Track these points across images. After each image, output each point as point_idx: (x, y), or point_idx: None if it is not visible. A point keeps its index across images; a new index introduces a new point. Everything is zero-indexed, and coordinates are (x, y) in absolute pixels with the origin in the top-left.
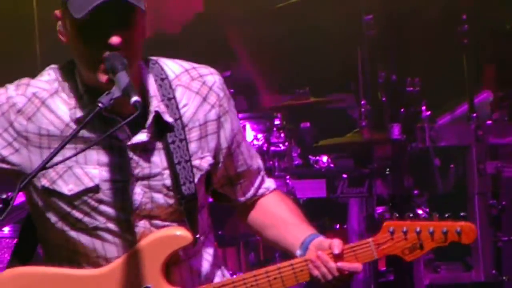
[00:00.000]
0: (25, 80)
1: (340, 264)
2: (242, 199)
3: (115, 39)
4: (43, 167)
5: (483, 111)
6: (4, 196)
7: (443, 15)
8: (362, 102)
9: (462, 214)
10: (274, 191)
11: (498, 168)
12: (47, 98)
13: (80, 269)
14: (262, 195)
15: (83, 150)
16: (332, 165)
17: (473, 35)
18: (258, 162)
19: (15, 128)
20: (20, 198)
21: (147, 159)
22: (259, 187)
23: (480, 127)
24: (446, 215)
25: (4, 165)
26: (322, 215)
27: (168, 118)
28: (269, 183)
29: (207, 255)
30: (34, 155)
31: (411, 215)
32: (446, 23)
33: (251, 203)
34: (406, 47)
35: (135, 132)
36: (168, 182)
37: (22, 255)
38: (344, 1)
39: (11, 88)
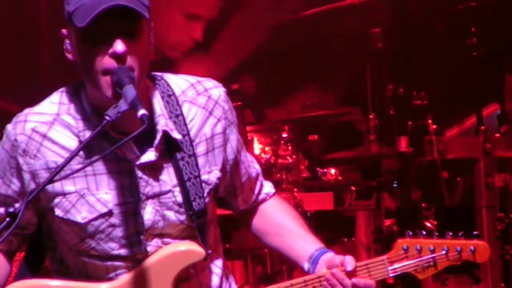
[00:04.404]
0: (22, 116)
1: (354, 280)
2: (243, 207)
3: (119, 47)
4: (50, 180)
5: (491, 124)
6: (11, 210)
7: (451, 27)
8: (371, 116)
9: (475, 232)
10: (274, 196)
11: (506, 181)
12: (48, 131)
13: (88, 282)
14: (263, 201)
15: (90, 163)
16: (339, 178)
17: (481, 48)
18: (256, 168)
19: (26, 171)
20: None
21: (157, 178)
22: (259, 193)
23: (488, 140)
24: (460, 234)
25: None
26: (329, 227)
27: (177, 135)
28: (268, 187)
29: (216, 268)
30: (49, 189)
31: (424, 232)
32: (454, 36)
33: (252, 208)
34: (414, 60)
35: (143, 151)
36: (179, 199)
37: (29, 268)
38: (351, 14)
39: (10, 130)
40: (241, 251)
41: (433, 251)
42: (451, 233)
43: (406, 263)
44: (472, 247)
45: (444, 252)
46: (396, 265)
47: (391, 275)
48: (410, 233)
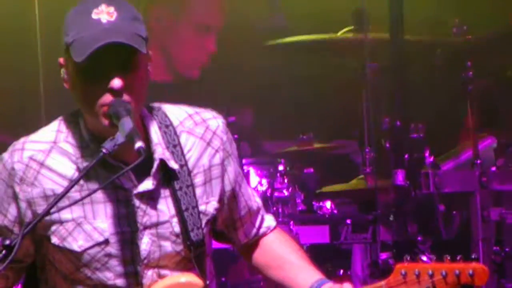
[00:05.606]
0: (19, 144)
1: None
2: (244, 240)
3: (116, 83)
4: (47, 212)
5: (488, 158)
6: (7, 242)
7: (448, 61)
8: (367, 149)
9: (473, 256)
10: (275, 229)
11: (502, 214)
12: (45, 159)
13: None
14: (264, 234)
15: (89, 194)
16: (335, 211)
17: (477, 82)
18: (257, 201)
19: (22, 199)
20: None
21: (154, 207)
22: (260, 226)
23: (484, 174)
24: (458, 257)
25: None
26: (325, 261)
27: (173, 165)
28: (270, 221)
29: None
30: (46, 217)
31: (423, 257)
32: (450, 70)
33: (253, 242)
34: (410, 93)
35: (140, 180)
36: (177, 229)
37: None
38: (348, 48)
39: (7, 159)
40: (237, 284)
41: (431, 276)
42: (449, 257)
43: None
44: (471, 271)
45: (442, 276)
46: None
47: None
48: (408, 258)
